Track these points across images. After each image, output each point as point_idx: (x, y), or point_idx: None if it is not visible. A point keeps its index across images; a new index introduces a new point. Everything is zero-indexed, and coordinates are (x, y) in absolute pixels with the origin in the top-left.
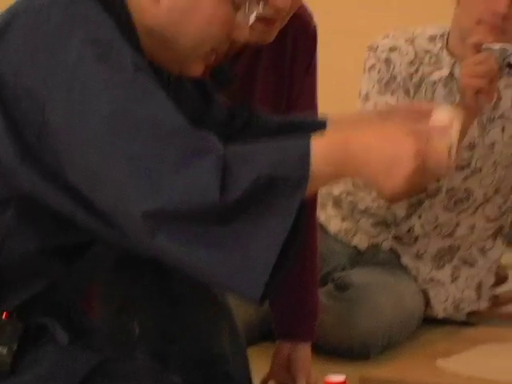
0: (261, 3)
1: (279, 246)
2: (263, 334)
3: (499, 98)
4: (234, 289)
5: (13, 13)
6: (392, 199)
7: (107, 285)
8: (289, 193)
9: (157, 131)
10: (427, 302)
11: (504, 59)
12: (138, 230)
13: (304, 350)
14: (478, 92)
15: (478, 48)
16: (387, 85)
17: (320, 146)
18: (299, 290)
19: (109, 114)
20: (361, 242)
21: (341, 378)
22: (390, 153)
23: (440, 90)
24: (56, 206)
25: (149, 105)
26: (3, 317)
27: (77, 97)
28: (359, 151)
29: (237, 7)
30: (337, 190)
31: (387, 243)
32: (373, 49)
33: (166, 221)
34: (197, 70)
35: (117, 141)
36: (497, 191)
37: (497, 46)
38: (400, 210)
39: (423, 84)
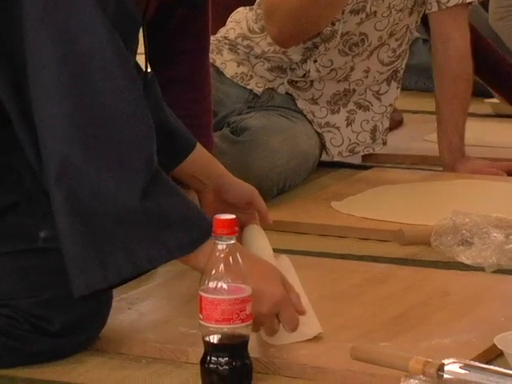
0: None
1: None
2: None
3: None
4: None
5: None
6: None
7: None
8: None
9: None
10: (323, 146)
11: None
12: (48, 169)
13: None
14: None
15: None
16: None
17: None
18: (193, 132)
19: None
20: (257, 85)
21: (231, 216)
22: None
23: None
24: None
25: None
26: None
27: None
28: None
29: None
30: (232, 34)
31: (283, 87)
32: None
33: (75, 177)
34: None
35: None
36: (391, 35)
37: None
38: (295, 54)
39: None
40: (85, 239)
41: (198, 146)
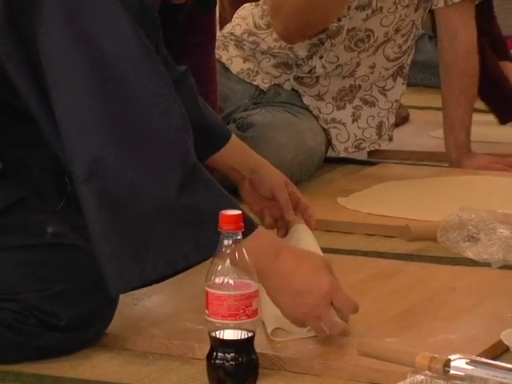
0: None
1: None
2: None
3: None
4: (108, 268)
5: None
6: (290, 39)
7: None
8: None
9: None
10: (329, 142)
11: None
12: (76, 167)
13: None
14: None
15: None
16: None
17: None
18: None
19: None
20: (263, 81)
21: (237, 211)
22: None
23: None
24: (17, 84)
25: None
26: None
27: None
28: None
29: None
30: (238, 30)
31: (289, 83)
32: None
33: (108, 176)
34: None
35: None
36: (397, 31)
37: None
38: (301, 50)
39: None
40: (121, 237)
41: (234, 138)
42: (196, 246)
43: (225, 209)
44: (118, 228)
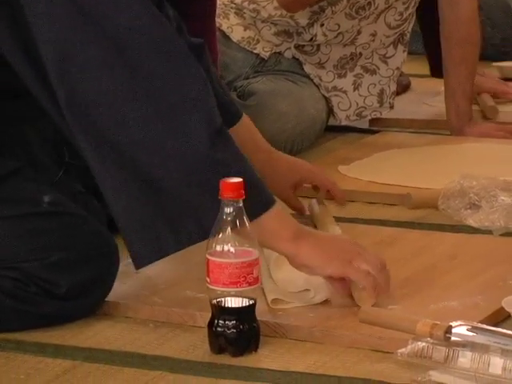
0: None
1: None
2: None
3: None
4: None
5: None
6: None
7: None
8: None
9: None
10: (330, 110)
11: None
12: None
13: None
14: None
15: None
16: None
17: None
18: None
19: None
20: (263, 50)
21: (238, 179)
22: None
23: None
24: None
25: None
26: None
27: None
28: None
29: None
30: None
31: (290, 52)
32: None
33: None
34: None
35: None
36: None
37: None
38: (302, 18)
39: None
40: (155, 207)
41: (245, 118)
42: None
43: (251, 173)
44: (151, 197)
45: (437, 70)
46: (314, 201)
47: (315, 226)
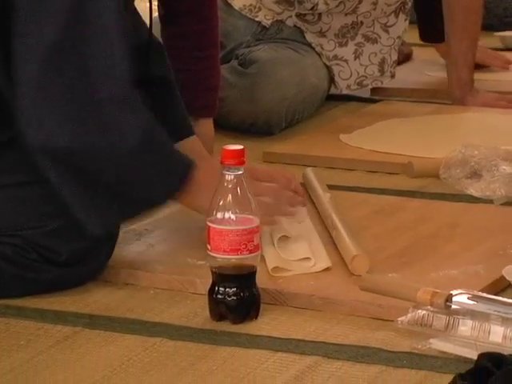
0: None
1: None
2: None
3: None
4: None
5: None
6: None
7: None
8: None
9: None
10: (331, 79)
11: None
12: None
13: (206, 126)
14: None
15: None
16: None
17: None
18: (200, 64)
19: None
20: (265, 18)
21: (239, 146)
22: None
23: None
24: None
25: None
26: None
27: None
28: None
29: None
30: None
31: (291, 20)
32: None
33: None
34: None
35: None
36: None
37: None
38: None
39: None
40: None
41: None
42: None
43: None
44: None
45: (426, 35)
46: (308, 169)
47: (309, 194)
